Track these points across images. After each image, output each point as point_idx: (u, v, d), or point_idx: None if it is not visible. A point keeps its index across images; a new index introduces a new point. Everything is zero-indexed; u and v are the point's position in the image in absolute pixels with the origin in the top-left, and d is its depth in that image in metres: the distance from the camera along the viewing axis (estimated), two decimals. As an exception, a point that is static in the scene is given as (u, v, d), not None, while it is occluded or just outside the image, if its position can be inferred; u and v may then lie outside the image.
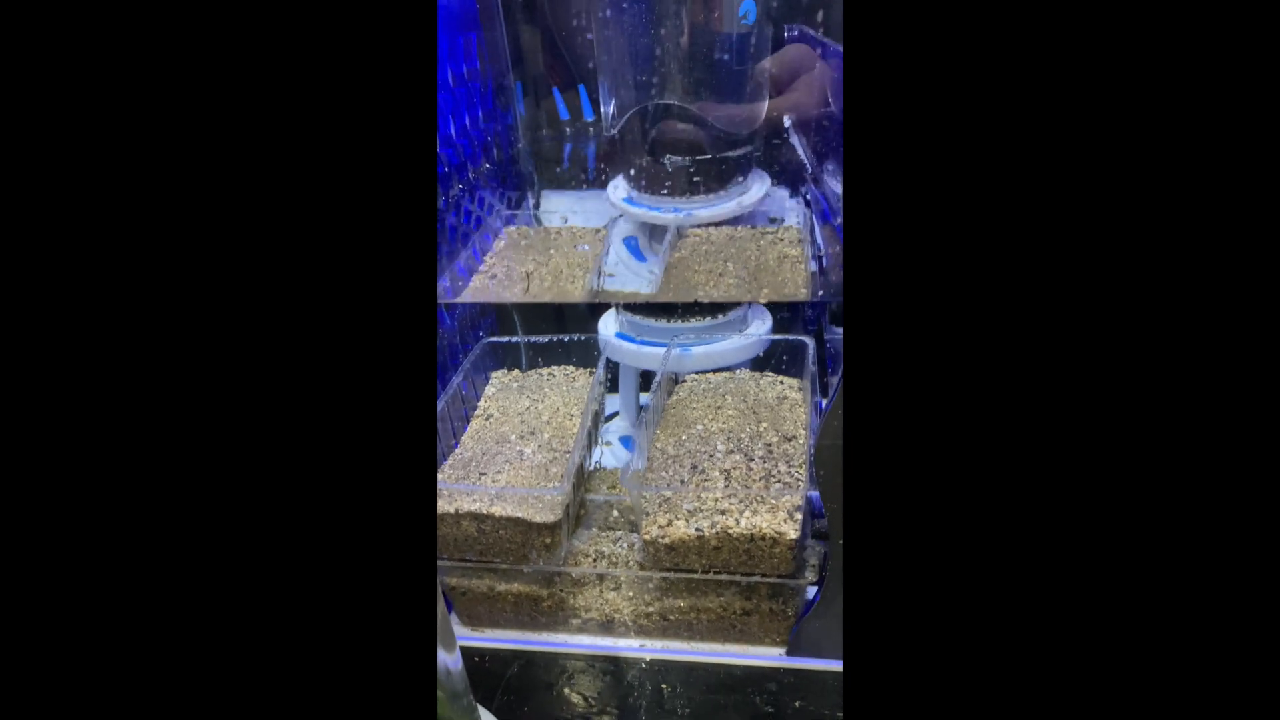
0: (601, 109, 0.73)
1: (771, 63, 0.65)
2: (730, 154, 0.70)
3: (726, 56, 0.67)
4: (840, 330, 0.61)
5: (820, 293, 0.49)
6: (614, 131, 0.73)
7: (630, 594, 0.55)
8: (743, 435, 0.55)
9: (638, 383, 0.76)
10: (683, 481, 0.52)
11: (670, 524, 0.50)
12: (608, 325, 0.72)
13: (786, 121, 0.72)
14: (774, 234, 0.61)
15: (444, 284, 0.56)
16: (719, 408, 0.59)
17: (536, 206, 0.86)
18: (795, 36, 0.66)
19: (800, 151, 0.70)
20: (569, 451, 0.56)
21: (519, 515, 0.50)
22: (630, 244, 0.78)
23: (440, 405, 0.58)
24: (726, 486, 0.51)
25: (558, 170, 0.93)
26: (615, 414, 0.79)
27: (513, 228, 0.70)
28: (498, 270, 0.59)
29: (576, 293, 0.57)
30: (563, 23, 0.80)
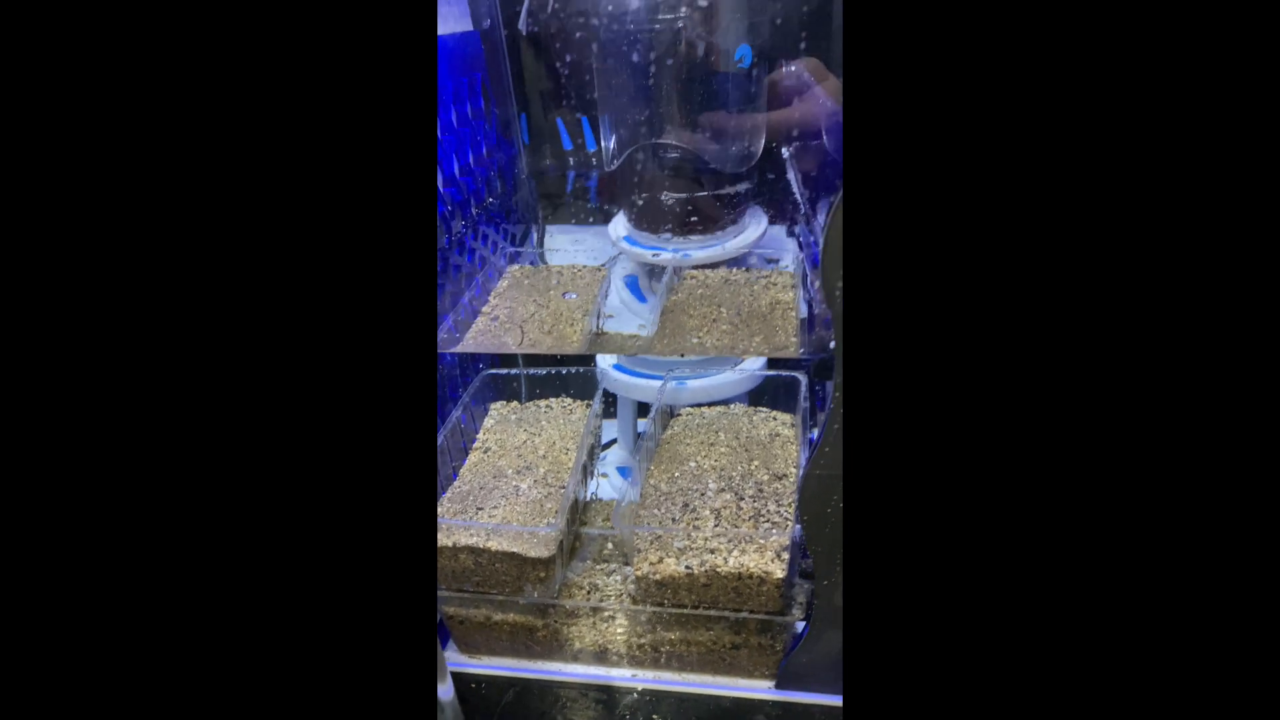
0: (602, 143, 0.75)
1: (783, 74, 0.66)
2: (726, 190, 0.72)
3: (723, 98, 0.69)
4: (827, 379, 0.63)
5: (802, 350, 0.51)
6: (614, 166, 0.75)
7: (623, 626, 0.57)
8: (734, 473, 0.57)
9: (635, 412, 0.78)
10: (674, 519, 0.53)
11: (661, 561, 0.51)
12: (605, 357, 0.73)
13: (785, 153, 0.73)
14: (768, 278, 0.63)
15: (448, 324, 0.58)
16: (712, 444, 0.61)
17: (540, 243, 0.88)
18: (793, 73, 0.68)
19: (795, 188, 0.71)
20: (563, 487, 0.57)
21: (514, 550, 0.52)
22: (631, 283, 0.80)
23: (440, 438, 0.60)
24: (716, 525, 0.52)
25: (561, 204, 0.95)
26: (614, 441, 0.80)
27: (516, 266, 0.72)
28: (499, 312, 0.61)
29: (575, 336, 0.59)
30: (565, 57, 0.82)
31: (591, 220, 0.88)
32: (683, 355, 0.69)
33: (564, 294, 0.63)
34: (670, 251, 0.72)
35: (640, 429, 0.76)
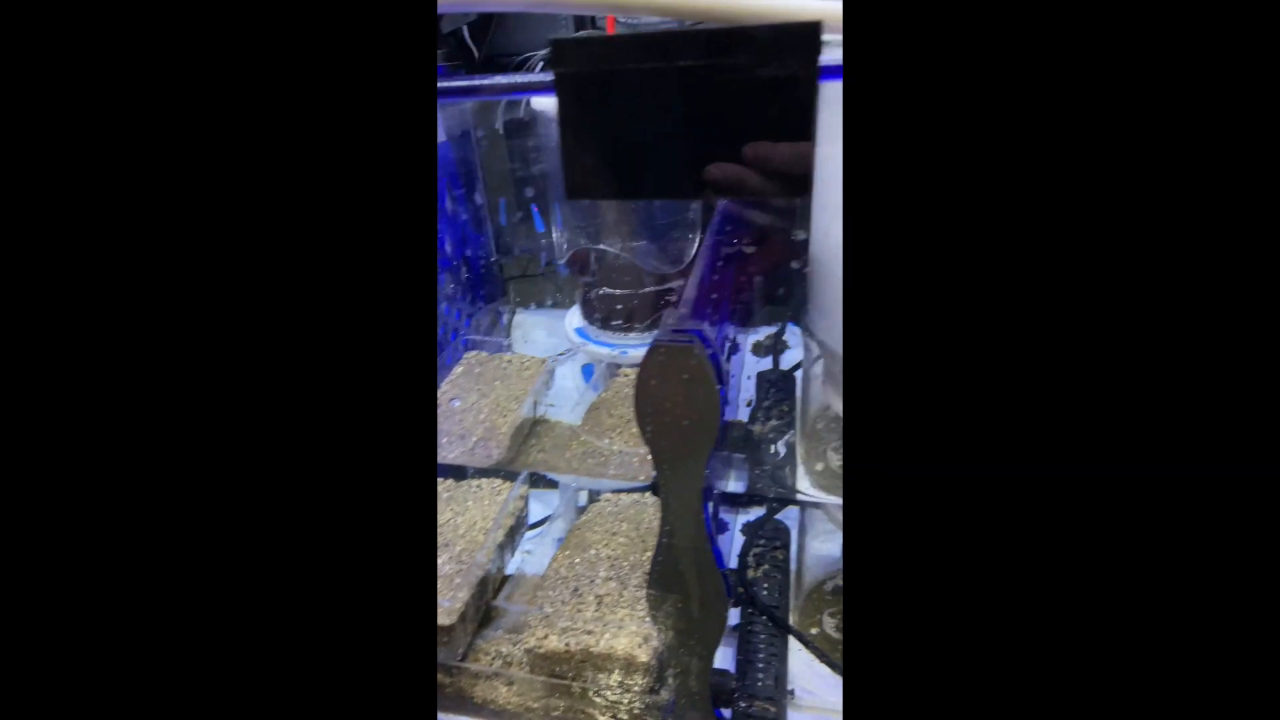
0: (555, 238, 0.84)
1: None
2: (654, 289, 0.80)
3: (656, 210, 0.77)
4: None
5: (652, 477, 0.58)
6: (563, 260, 0.84)
7: (519, 691, 0.64)
8: (625, 563, 0.64)
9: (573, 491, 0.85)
10: (564, 602, 0.61)
11: (546, 637, 0.59)
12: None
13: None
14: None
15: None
16: (614, 533, 0.68)
17: (509, 331, 0.97)
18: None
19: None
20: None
21: (421, 618, 0.59)
22: (587, 371, 0.88)
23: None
24: (596, 610, 0.60)
25: (534, 287, 1.04)
26: (546, 519, 0.87)
27: (472, 353, 0.80)
28: (443, 400, 0.70)
29: (504, 426, 0.67)
30: (531, 157, 0.92)
31: (561, 305, 0.97)
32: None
33: (451, 400, 0.72)
34: (609, 347, 0.80)
35: (580, 503, 0.83)
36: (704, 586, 0.50)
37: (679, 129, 0.31)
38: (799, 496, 0.64)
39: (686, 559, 0.49)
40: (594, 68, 0.31)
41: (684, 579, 0.50)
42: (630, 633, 0.58)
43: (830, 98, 0.45)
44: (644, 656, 0.57)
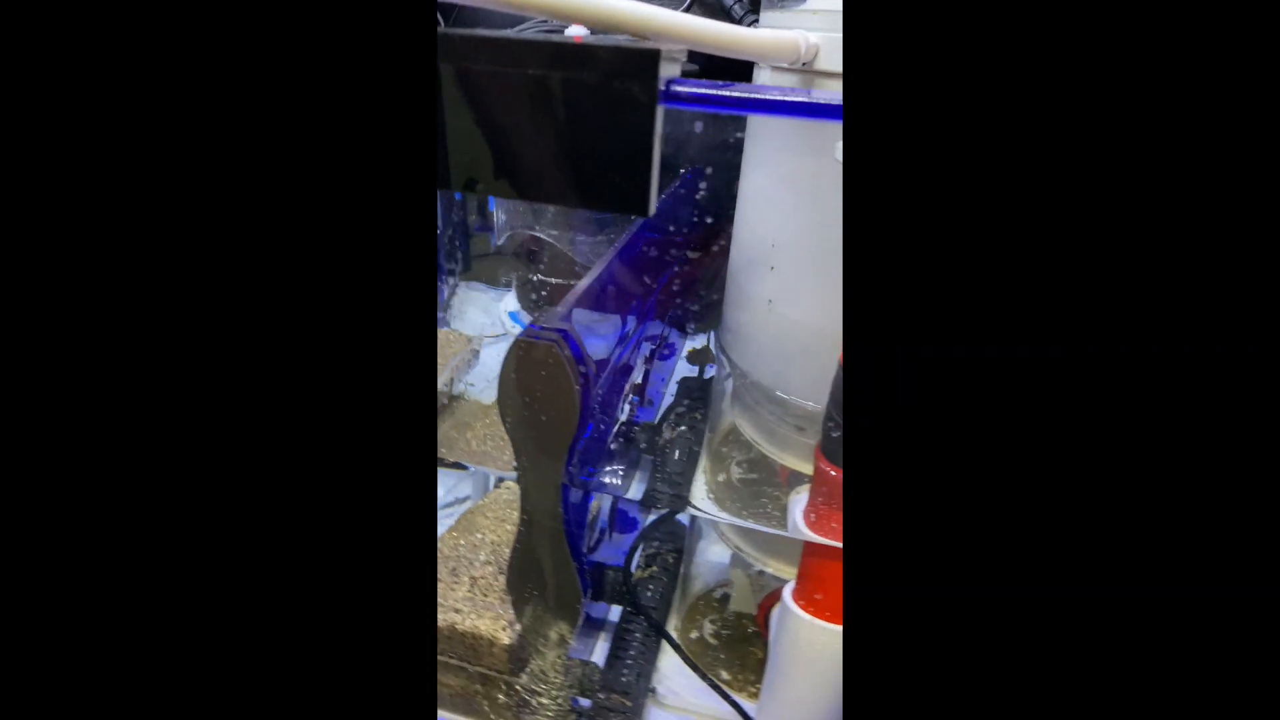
0: (497, 219, 0.85)
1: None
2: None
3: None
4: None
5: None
6: (500, 242, 0.85)
7: (390, 660, 0.65)
8: (508, 550, 0.65)
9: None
10: (440, 580, 0.62)
11: (416, 611, 0.60)
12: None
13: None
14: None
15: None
16: (503, 520, 0.69)
17: (448, 305, 0.97)
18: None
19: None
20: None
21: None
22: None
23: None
24: (469, 591, 0.61)
25: (484, 263, 1.04)
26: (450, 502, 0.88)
27: (397, 324, 0.81)
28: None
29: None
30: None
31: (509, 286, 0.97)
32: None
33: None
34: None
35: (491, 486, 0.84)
36: (559, 578, 0.51)
37: (528, 133, 0.33)
38: (689, 509, 0.66)
39: (544, 550, 0.50)
40: (453, 65, 0.32)
41: (541, 570, 0.51)
42: (495, 615, 0.59)
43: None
44: (506, 640, 0.58)
